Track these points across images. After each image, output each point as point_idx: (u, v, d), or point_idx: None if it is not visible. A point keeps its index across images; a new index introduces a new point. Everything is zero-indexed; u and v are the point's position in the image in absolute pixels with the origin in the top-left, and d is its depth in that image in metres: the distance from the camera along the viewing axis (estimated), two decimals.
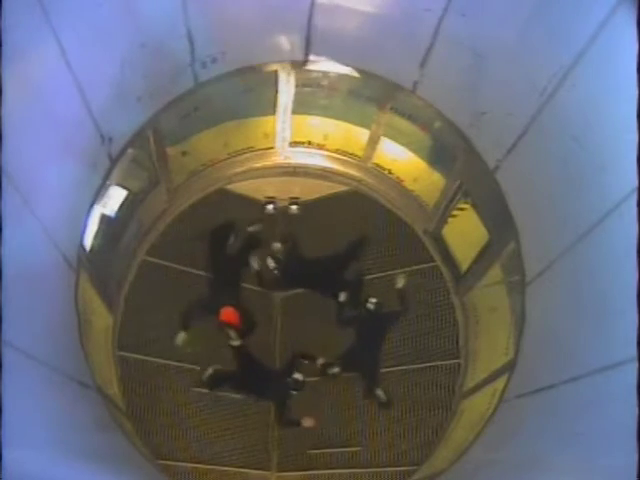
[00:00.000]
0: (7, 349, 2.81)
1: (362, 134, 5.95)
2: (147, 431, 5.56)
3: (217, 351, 5.84)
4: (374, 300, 5.87)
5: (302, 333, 6.06)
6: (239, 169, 6.19)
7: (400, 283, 5.99)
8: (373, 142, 5.96)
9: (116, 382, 5.46)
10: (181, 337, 5.85)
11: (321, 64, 5.19)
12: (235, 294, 5.93)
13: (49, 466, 2.91)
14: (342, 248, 6.20)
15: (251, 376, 5.80)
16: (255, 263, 6.03)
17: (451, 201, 5.64)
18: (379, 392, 5.85)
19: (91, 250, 4.78)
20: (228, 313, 5.71)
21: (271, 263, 6.06)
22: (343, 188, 6.46)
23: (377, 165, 6.21)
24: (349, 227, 6.31)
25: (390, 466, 5.75)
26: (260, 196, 6.45)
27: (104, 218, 4.96)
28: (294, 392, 5.68)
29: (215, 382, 5.77)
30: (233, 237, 6.01)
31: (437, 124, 5.22)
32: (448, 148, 5.31)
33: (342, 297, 5.96)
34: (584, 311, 3.69)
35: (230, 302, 5.78)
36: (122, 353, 5.61)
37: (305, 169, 6.42)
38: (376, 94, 5.37)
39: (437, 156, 5.60)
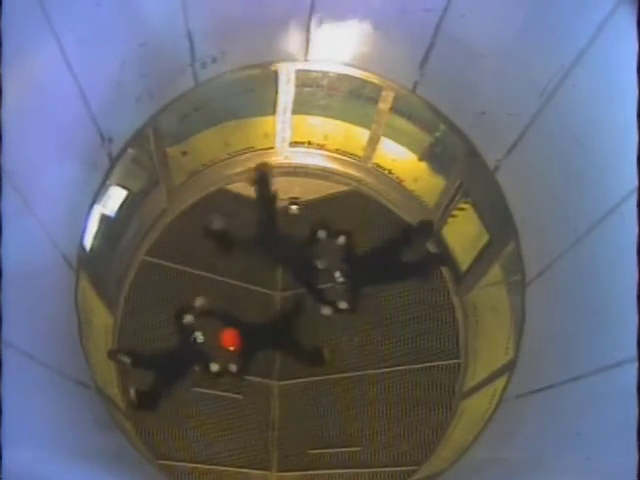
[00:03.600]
0: (7, 349, 2.81)
1: (362, 134, 5.95)
2: (147, 431, 5.56)
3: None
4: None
5: None
6: (239, 169, 6.19)
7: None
8: (373, 142, 5.96)
9: (116, 382, 5.46)
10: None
11: (321, 64, 5.20)
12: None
13: (49, 466, 2.91)
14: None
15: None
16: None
17: (451, 201, 5.65)
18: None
19: (91, 250, 4.79)
20: (229, 336, 5.24)
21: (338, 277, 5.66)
22: (343, 188, 6.46)
23: (377, 165, 6.21)
24: (349, 227, 6.30)
25: (390, 466, 5.74)
26: None
27: (104, 218, 4.97)
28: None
29: None
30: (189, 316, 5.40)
31: (437, 124, 5.23)
32: (448, 148, 5.32)
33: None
34: (584, 311, 3.68)
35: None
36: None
37: (305, 169, 6.43)
38: (376, 94, 5.37)
39: (437, 156, 5.60)
